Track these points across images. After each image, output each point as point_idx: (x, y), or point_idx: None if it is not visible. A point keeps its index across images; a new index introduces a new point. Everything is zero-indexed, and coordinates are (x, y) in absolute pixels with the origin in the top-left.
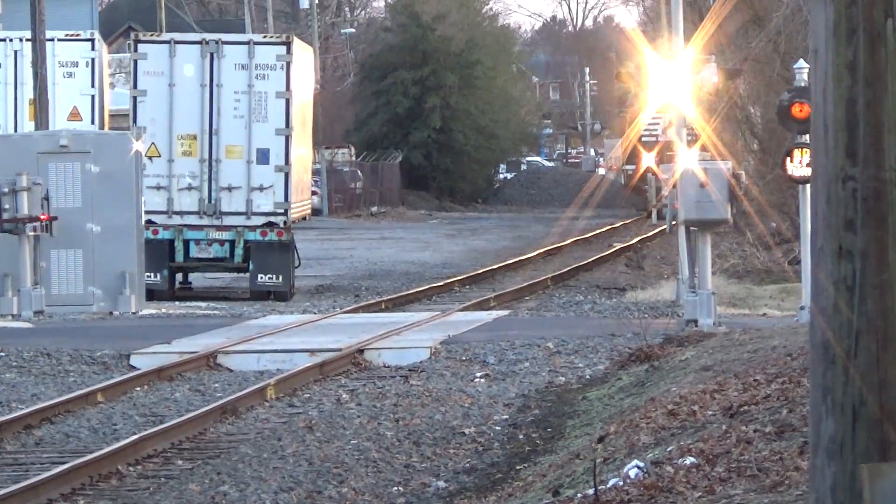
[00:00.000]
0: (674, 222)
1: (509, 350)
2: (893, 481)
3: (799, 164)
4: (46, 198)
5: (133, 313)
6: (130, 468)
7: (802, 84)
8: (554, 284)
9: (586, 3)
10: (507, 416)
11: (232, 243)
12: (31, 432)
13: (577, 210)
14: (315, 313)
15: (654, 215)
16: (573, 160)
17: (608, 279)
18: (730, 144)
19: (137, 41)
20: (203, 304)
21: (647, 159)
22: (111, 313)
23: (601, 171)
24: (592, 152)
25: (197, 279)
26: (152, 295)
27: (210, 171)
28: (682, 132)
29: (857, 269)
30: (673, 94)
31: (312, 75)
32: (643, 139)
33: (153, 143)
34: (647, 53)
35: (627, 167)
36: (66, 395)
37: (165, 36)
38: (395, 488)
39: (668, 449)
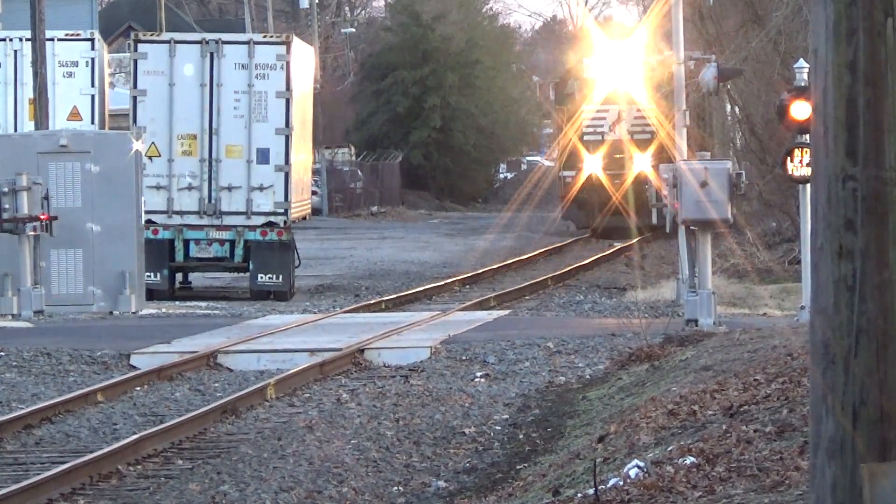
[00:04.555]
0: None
1: (509, 350)
2: (893, 481)
3: (799, 164)
4: (46, 197)
5: (133, 313)
6: (130, 468)
7: (802, 84)
8: (554, 284)
9: (586, 2)
10: (507, 416)
11: (232, 243)
12: (31, 432)
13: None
14: (315, 313)
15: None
16: None
17: (608, 279)
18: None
19: (137, 41)
20: (203, 304)
21: (591, 162)
22: (111, 313)
23: None
24: None
25: (197, 279)
26: (152, 295)
27: (210, 170)
28: (683, 132)
29: (857, 268)
30: (627, 80)
31: (312, 75)
32: (585, 137)
33: (153, 142)
34: (602, 40)
35: (565, 173)
36: (66, 394)
37: (165, 36)
38: (395, 488)
39: (669, 449)
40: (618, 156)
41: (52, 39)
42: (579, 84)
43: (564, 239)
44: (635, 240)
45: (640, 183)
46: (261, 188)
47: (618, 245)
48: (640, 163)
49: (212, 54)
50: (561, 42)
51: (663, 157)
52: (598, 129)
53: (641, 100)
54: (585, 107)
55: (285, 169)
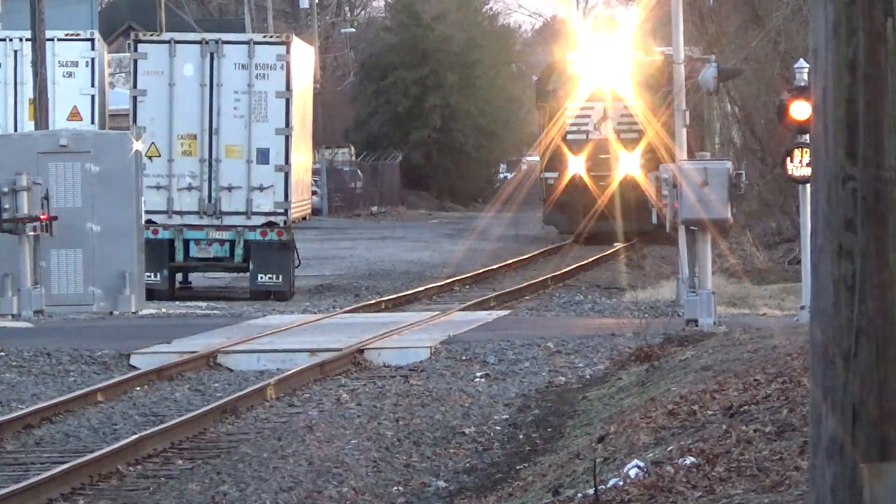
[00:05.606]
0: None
1: (509, 350)
2: (893, 481)
3: (799, 164)
4: (46, 197)
5: (133, 313)
6: (130, 468)
7: (802, 84)
8: (554, 284)
9: (587, 3)
10: (507, 416)
11: (232, 243)
12: (31, 432)
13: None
14: (315, 313)
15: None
16: None
17: (608, 279)
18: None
19: (137, 41)
20: (203, 304)
21: (575, 163)
22: (111, 313)
23: None
24: None
25: (197, 279)
26: (152, 295)
27: (210, 170)
28: (683, 132)
29: (857, 268)
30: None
31: (312, 75)
32: (569, 137)
33: (153, 142)
34: (587, 33)
35: (547, 175)
36: (66, 394)
37: (165, 36)
38: (395, 488)
39: (669, 449)
40: (603, 156)
41: (52, 39)
42: (562, 80)
43: (566, 239)
44: (633, 241)
45: (628, 184)
46: (261, 188)
47: (618, 245)
48: (627, 163)
49: (212, 54)
50: (561, 42)
51: (651, 157)
52: (583, 128)
53: (628, 97)
54: (569, 104)
55: (285, 169)
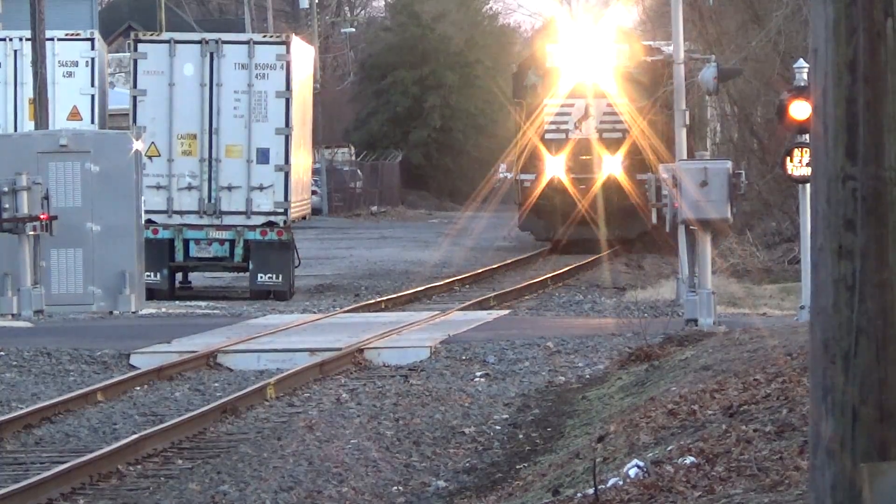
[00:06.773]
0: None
1: (509, 349)
2: (893, 481)
3: (799, 164)
4: (46, 197)
5: (133, 313)
6: (130, 468)
7: (802, 84)
8: (554, 284)
9: (587, 2)
10: (507, 416)
11: (232, 243)
12: (31, 432)
13: None
14: (315, 313)
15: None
16: None
17: (608, 279)
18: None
19: (137, 41)
20: (203, 304)
21: (553, 164)
22: (111, 313)
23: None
24: None
25: (197, 279)
26: (152, 294)
27: (210, 170)
28: (682, 132)
29: (857, 268)
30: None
31: (312, 75)
32: (547, 136)
33: (153, 142)
34: (566, 27)
35: (523, 177)
36: (66, 394)
37: (165, 35)
38: (395, 488)
39: (668, 448)
40: (584, 157)
41: (52, 39)
42: (541, 75)
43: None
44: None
45: (611, 188)
46: (261, 188)
47: (617, 245)
48: (610, 165)
49: (212, 54)
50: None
51: (637, 158)
52: (562, 127)
53: (612, 93)
54: (548, 101)
55: (285, 169)
